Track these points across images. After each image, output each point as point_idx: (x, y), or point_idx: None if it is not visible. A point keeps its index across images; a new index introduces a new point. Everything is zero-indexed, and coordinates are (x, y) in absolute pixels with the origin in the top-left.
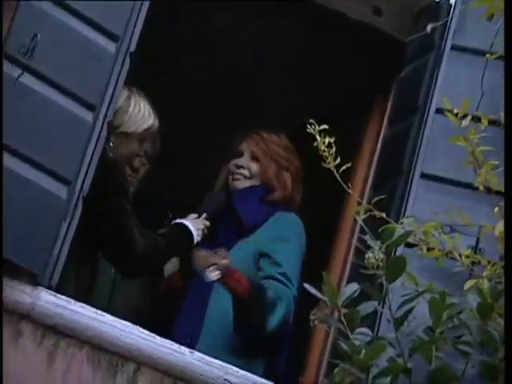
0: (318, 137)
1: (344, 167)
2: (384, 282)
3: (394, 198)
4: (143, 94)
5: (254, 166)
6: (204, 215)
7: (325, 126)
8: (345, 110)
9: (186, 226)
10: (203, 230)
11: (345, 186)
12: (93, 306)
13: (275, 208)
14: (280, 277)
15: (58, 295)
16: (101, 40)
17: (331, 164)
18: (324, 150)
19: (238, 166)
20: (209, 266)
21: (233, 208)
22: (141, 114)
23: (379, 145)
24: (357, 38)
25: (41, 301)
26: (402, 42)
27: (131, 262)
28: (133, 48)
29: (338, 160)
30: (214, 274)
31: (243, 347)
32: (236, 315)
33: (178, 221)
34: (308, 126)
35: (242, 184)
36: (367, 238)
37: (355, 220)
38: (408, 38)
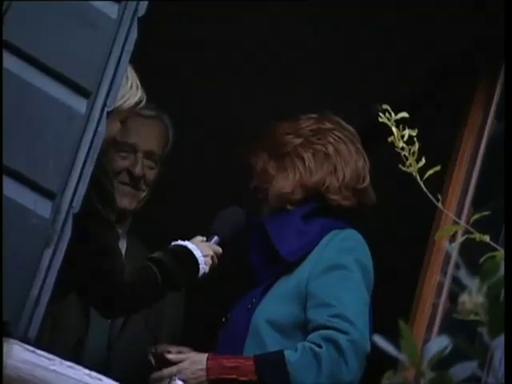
0: (394, 129)
1: (431, 171)
2: (486, 336)
3: (503, 216)
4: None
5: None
6: (215, 239)
7: (404, 115)
8: (435, 95)
9: (189, 251)
10: (212, 257)
11: (432, 198)
12: (85, 365)
13: (323, 226)
14: (330, 322)
15: (38, 351)
16: (97, 1)
17: (413, 167)
18: (403, 148)
19: (254, 189)
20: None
21: (266, 236)
22: (128, 86)
23: (483, 144)
24: None
25: (13, 359)
26: None
27: (113, 297)
28: (142, 12)
29: (423, 161)
30: None
31: None
32: None
33: (179, 243)
34: (381, 114)
35: (266, 209)
36: (461, 273)
37: None
38: None
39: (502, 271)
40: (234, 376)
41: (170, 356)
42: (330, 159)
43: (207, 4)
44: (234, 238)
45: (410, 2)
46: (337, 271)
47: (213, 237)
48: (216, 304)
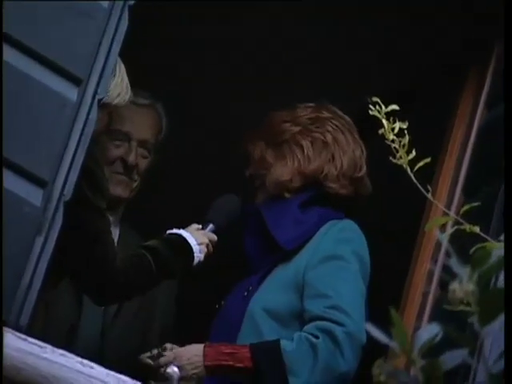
0: (384, 121)
1: (421, 163)
2: (476, 324)
3: (493, 206)
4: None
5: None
6: (210, 226)
7: (394, 107)
8: (425, 86)
9: (184, 239)
10: (207, 245)
11: (422, 190)
12: (78, 353)
13: (321, 216)
14: (327, 313)
15: (30, 339)
16: None
17: (403, 159)
18: (393, 140)
19: (250, 177)
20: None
21: (262, 223)
22: (124, 83)
23: (473, 134)
24: None
25: (5, 347)
26: None
27: (105, 284)
28: (132, 0)
29: (413, 154)
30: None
31: None
32: None
33: (174, 231)
34: (371, 107)
35: (262, 196)
36: (452, 261)
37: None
38: None
39: (492, 259)
40: (231, 362)
41: (167, 345)
42: (329, 147)
43: (207, 4)
44: (230, 225)
45: (409, 2)
46: (334, 262)
47: (208, 224)
48: (211, 292)
